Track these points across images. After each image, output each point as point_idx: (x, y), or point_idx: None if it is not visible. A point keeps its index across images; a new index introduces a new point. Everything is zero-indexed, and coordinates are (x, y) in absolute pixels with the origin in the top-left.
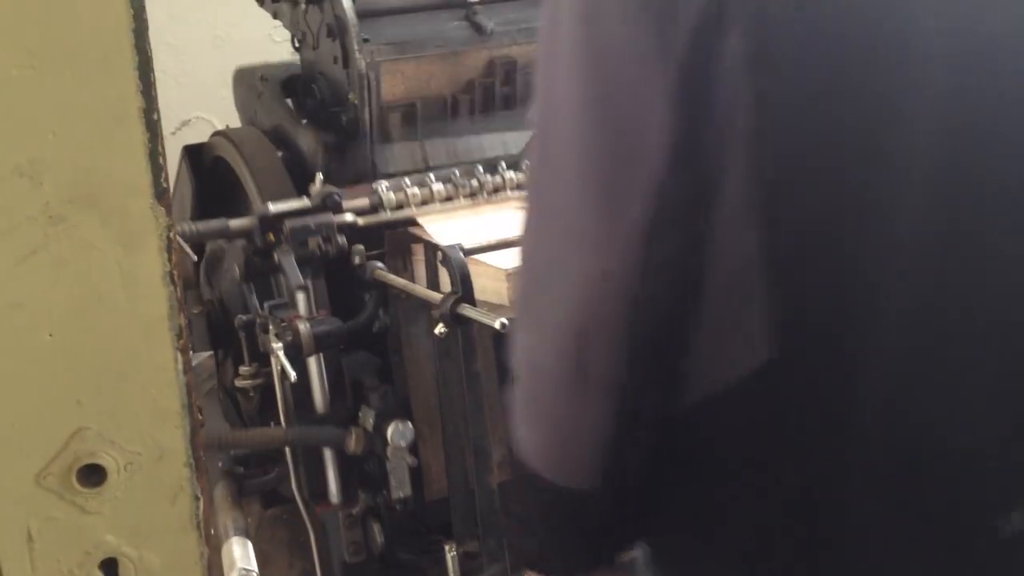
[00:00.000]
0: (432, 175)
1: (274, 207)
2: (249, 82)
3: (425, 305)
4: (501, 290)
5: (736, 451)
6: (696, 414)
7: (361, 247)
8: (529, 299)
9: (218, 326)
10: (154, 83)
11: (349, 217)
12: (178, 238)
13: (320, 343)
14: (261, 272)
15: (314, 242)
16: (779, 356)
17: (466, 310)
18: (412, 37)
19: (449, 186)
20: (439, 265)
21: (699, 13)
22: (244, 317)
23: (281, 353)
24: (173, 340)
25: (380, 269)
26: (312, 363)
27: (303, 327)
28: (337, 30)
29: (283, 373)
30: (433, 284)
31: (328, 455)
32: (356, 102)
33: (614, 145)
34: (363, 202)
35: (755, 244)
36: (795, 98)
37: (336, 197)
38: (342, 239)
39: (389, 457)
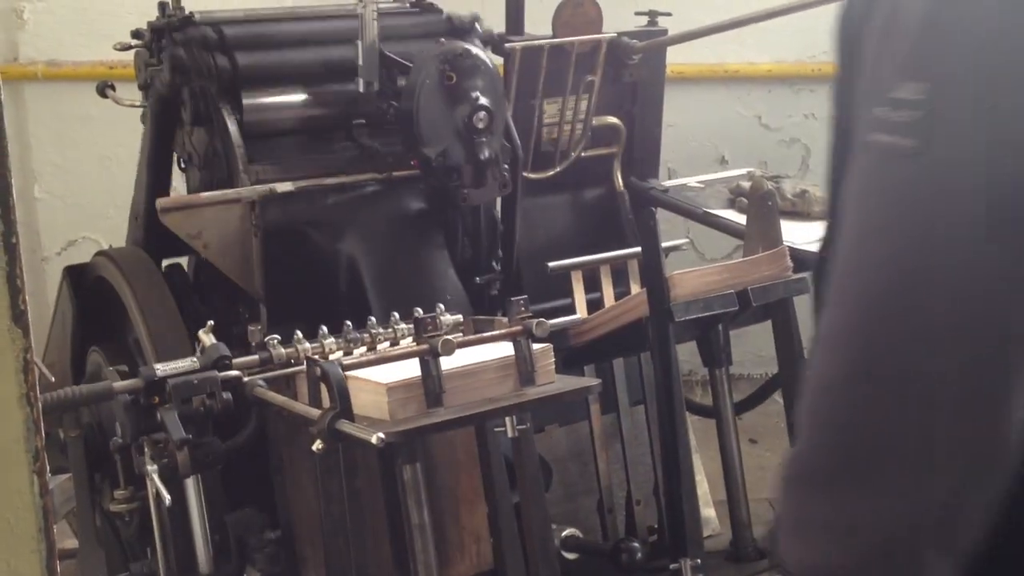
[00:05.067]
0: (324, 328)
1: (161, 369)
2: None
3: (307, 423)
4: (382, 405)
5: None
6: None
7: None
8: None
9: (96, 449)
10: (13, 207)
11: (235, 373)
12: (36, 360)
13: (196, 463)
14: (145, 432)
15: (199, 400)
16: None
17: (344, 426)
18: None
19: (340, 340)
20: (320, 382)
21: None
22: (119, 440)
23: (156, 475)
24: (29, 463)
25: (260, 387)
26: (190, 487)
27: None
28: (223, 151)
29: (159, 497)
30: (315, 401)
31: None
32: None
33: None
34: (252, 359)
35: None
36: None
37: (225, 360)
38: (227, 395)
39: None
